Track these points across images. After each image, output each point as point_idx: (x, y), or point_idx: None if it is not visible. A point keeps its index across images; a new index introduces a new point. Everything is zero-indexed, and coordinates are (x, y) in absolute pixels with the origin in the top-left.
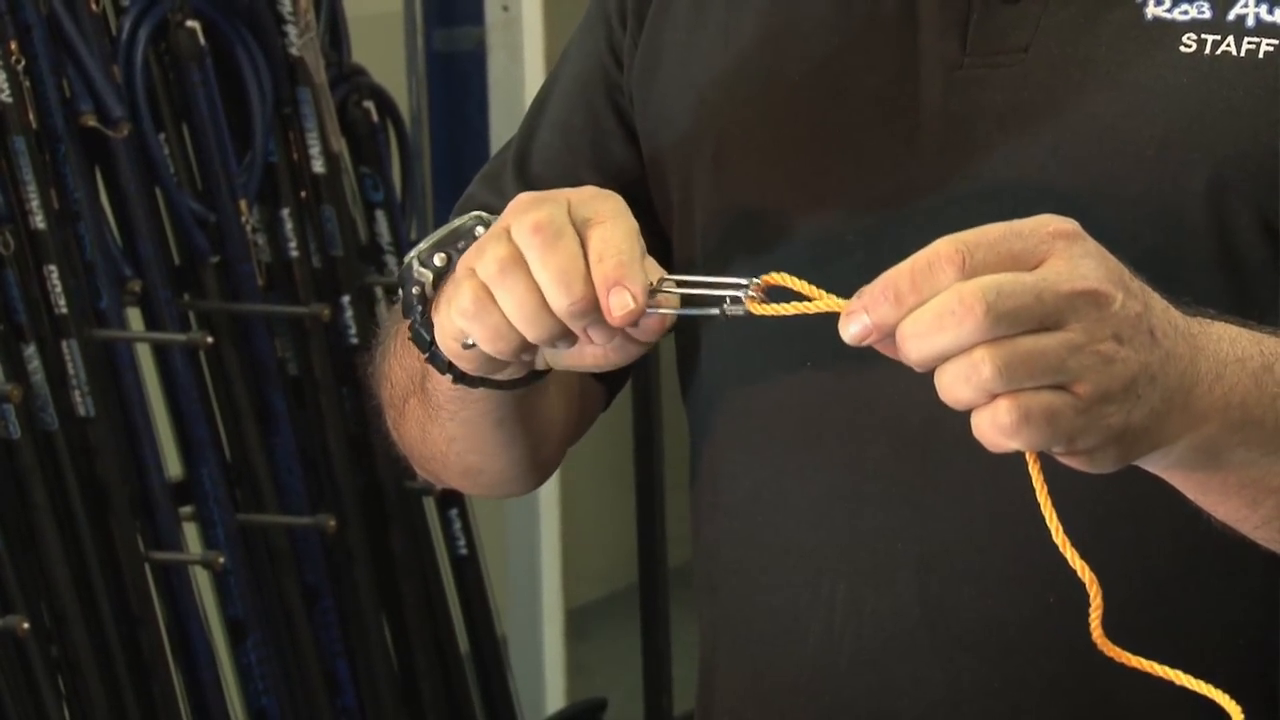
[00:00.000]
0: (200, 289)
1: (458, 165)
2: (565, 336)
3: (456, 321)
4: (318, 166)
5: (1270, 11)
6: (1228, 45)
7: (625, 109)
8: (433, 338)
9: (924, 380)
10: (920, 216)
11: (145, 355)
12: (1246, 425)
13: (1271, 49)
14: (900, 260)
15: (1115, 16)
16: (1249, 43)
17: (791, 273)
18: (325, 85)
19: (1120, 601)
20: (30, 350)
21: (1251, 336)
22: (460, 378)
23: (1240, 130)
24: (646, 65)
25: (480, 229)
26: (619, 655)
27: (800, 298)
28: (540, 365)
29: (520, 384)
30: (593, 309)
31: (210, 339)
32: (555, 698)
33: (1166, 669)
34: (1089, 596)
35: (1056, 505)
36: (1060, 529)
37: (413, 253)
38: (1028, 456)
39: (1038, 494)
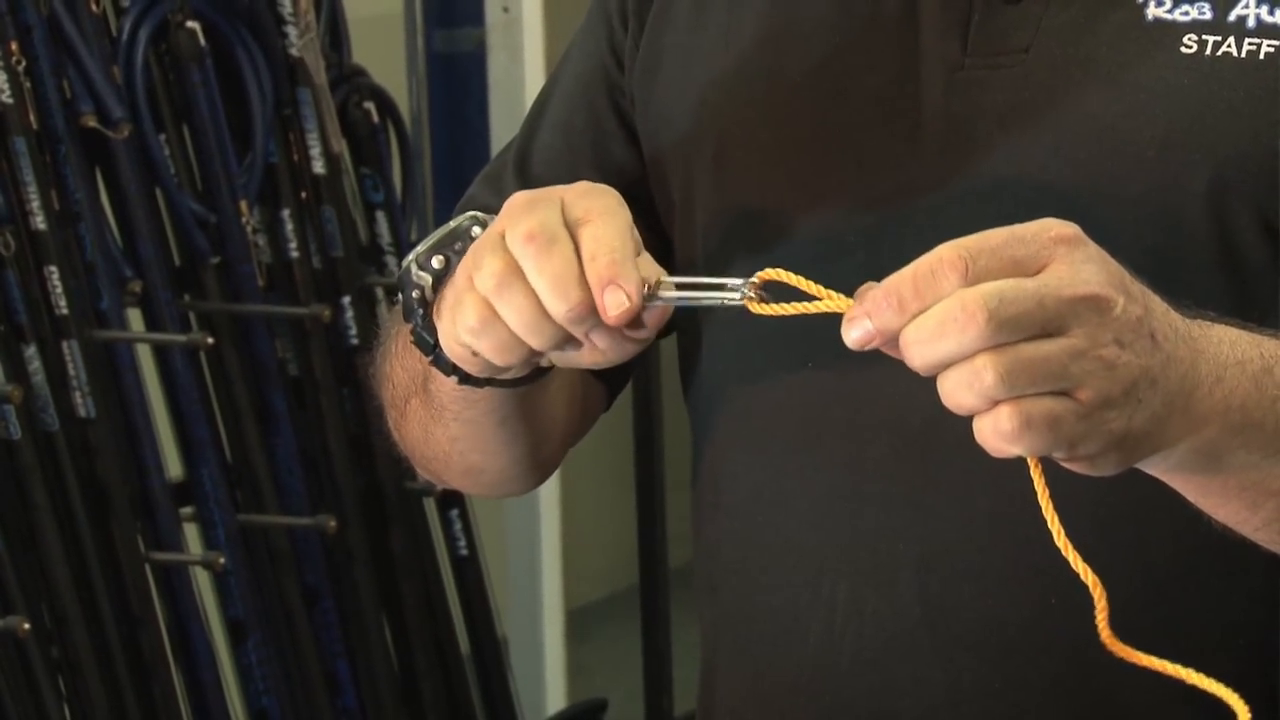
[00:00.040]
0: (201, 290)
1: (458, 166)
2: (570, 341)
3: (463, 338)
4: (318, 167)
5: (1271, 13)
6: (1228, 46)
7: (626, 110)
8: (436, 340)
9: (925, 381)
10: (921, 216)
11: (146, 356)
12: (1247, 428)
13: (1272, 50)
14: (901, 260)
15: (1116, 17)
16: (1250, 44)
17: (792, 271)
18: (325, 86)
19: (1121, 602)
20: (31, 351)
21: (1251, 339)
22: (465, 379)
23: (1241, 131)
24: (647, 66)
25: (477, 229)
26: (619, 656)
27: (800, 294)
28: (544, 363)
29: (524, 381)
30: (592, 312)
31: (211, 340)
32: (556, 698)
33: (1178, 668)
34: (1091, 597)
35: (1058, 507)
36: (1062, 532)
37: (411, 256)
38: (1029, 461)
39: (1039, 498)
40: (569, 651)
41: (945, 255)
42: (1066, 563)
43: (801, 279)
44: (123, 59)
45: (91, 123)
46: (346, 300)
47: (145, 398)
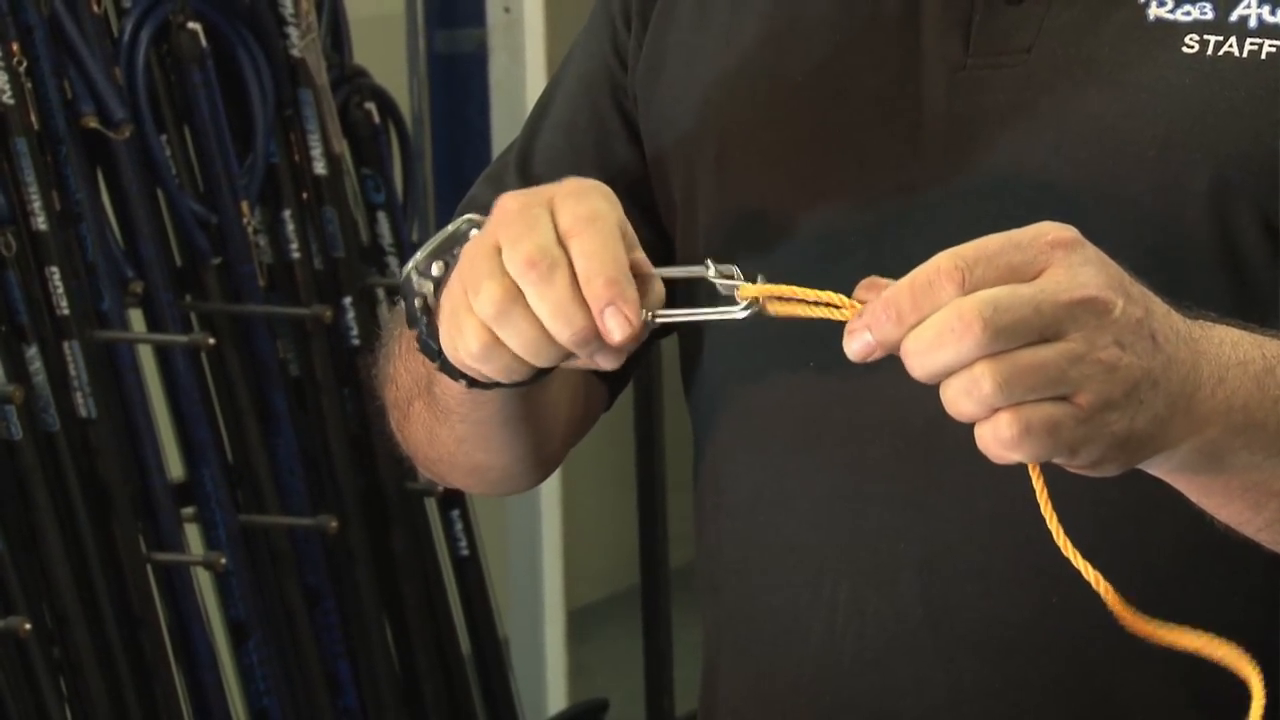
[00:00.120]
0: (202, 290)
1: (459, 166)
2: (574, 357)
3: (467, 362)
4: (319, 168)
5: (1273, 13)
6: (1230, 46)
7: (629, 110)
8: (441, 347)
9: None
10: (922, 216)
11: (147, 356)
12: (1249, 429)
13: (1274, 50)
14: (902, 259)
15: (1118, 17)
16: (1251, 44)
17: (794, 272)
18: (327, 87)
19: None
20: (32, 351)
21: (1253, 339)
22: (474, 383)
23: (1242, 131)
24: (650, 66)
25: (475, 232)
26: (620, 656)
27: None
28: None
29: (530, 380)
30: (595, 335)
31: (212, 340)
32: (557, 699)
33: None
34: (1092, 598)
35: (1058, 507)
36: (1064, 535)
37: (410, 265)
38: (1030, 467)
39: (1040, 501)
40: (570, 652)
41: (942, 265)
42: (1068, 563)
43: (793, 288)
44: (124, 60)
45: (93, 123)
46: (348, 301)
47: (146, 398)
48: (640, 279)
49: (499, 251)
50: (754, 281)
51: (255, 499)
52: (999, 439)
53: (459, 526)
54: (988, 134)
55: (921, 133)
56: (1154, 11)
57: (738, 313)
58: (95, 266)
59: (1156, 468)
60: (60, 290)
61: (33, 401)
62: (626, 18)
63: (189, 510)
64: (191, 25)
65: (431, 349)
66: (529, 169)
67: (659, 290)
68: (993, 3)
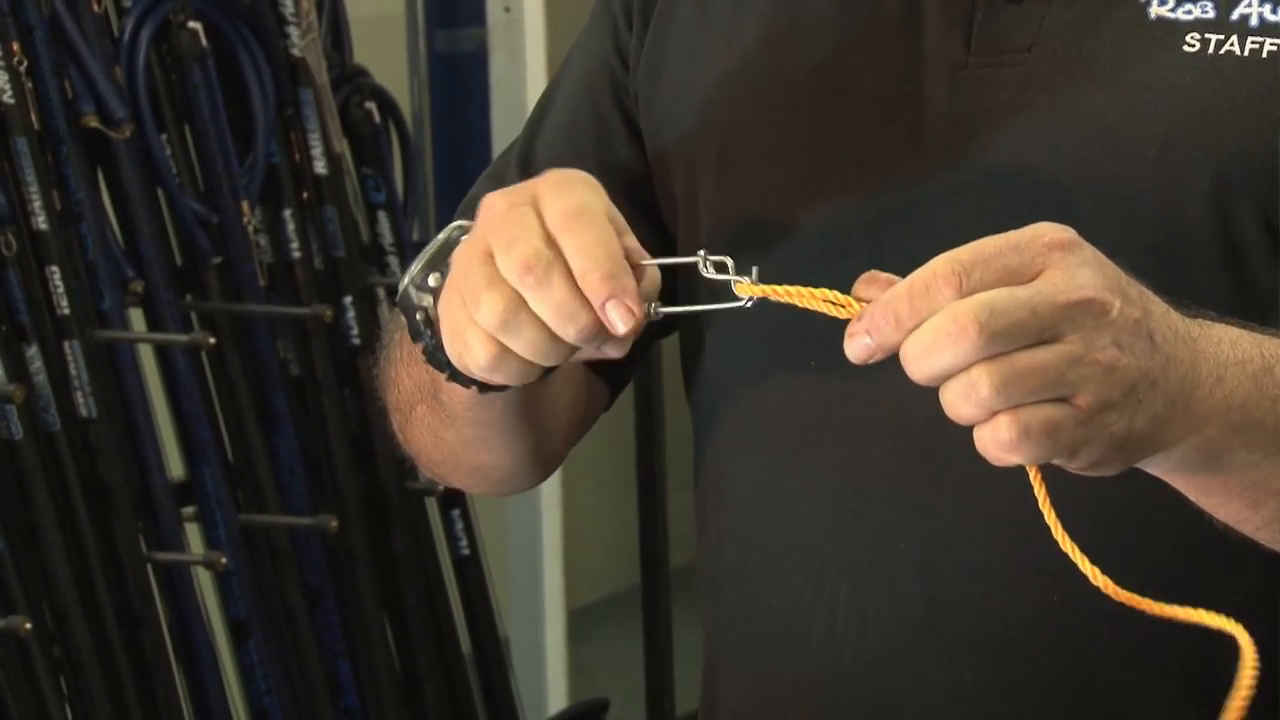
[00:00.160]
0: (202, 290)
1: (459, 166)
2: (582, 349)
3: (476, 374)
4: (319, 167)
5: (1274, 11)
6: (1231, 45)
7: (630, 109)
8: (449, 358)
9: None
10: (923, 215)
11: (147, 356)
12: (1247, 428)
13: (1275, 48)
14: (903, 258)
15: (1119, 16)
16: (1252, 42)
17: (795, 270)
18: (327, 86)
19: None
20: (32, 351)
21: (1252, 339)
22: (485, 387)
23: (1243, 129)
24: (651, 65)
25: (466, 238)
26: (621, 656)
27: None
28: None
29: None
30: (601, 328)
31: (212, 339)
32: (557, 698)
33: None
34: (1094, 597)
35: (1058, 506)
36: (1064, 535)
37: (407, 279)
38: (1029, 468)
39: (1040, 503)
40: (570, 651)
41: (939, 269)
42: (1068, 562)
43: (790, 289)
44: (124, 59)
45: (93, 123)
46: (348, 300)
47: (147, 397)
48: (635, 265)
49: (491, 258)
50: (750, 273)
51: (256, 498)
52: (998, 442)
53: (459, 526)
54: (989, 133)
55: (923, 132)
56: (1155, 10)
57: (742, 302)
58: (96, 266)
59: (1155, 467)
60: (61, 290)
61: (33, 401)
62: (628, 17)
63: (189, 510)
64: (192, 25)
65: (440, 361)
66: (530, 168)
67: (654, 275)
68: (994, 2)
